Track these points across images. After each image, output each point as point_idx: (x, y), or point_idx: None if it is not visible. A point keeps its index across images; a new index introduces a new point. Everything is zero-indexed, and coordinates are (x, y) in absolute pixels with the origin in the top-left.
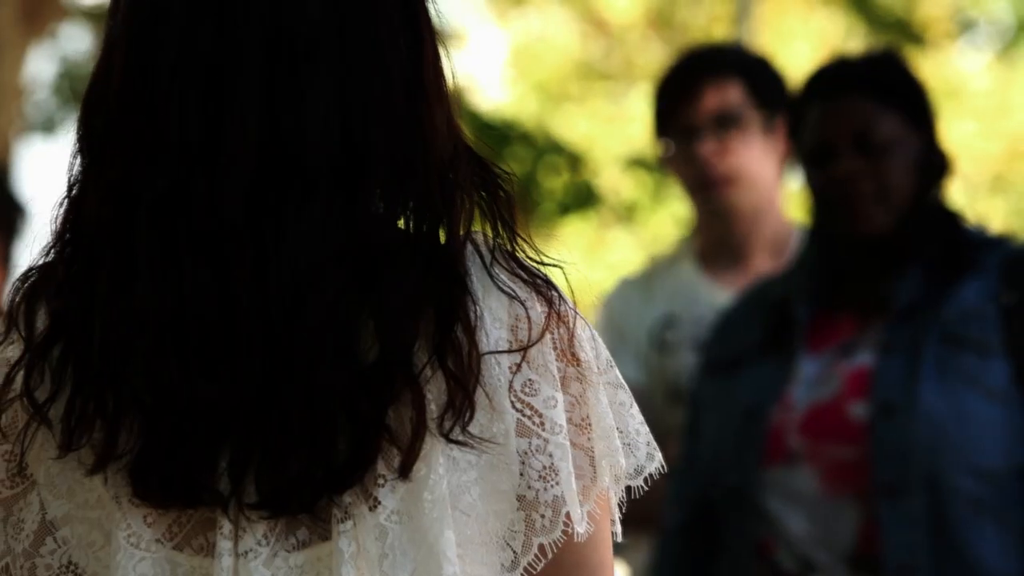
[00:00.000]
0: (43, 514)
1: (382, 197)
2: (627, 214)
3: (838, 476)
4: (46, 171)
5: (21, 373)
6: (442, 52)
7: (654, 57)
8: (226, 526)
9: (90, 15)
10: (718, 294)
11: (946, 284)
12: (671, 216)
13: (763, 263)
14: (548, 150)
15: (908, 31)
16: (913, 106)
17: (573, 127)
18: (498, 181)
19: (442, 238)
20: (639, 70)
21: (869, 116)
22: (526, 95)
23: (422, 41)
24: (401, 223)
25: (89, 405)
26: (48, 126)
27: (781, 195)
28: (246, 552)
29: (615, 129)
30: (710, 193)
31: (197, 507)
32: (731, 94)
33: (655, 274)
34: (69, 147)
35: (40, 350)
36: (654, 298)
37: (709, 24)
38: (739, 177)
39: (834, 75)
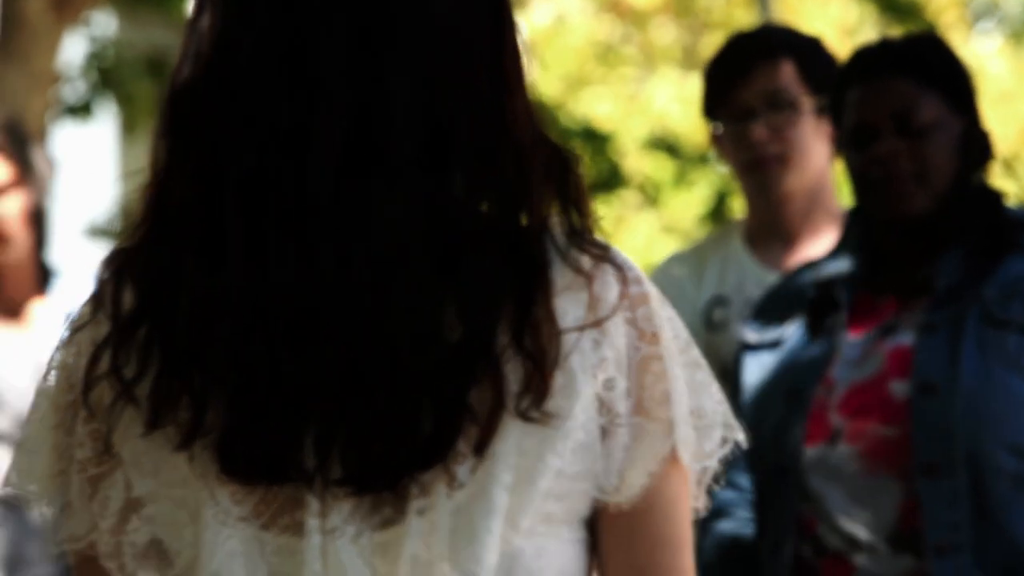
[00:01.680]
0: (128, 492)
1: (464, 181)
2: (651, 197)
3: (879, 455)
4: (79, 155)
5: (108, 352)
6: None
7: (674, 41)
8: (314, 504)
9: (118, 1)
10: (767, 275)
11: (987, 265)
12: (694, 199)
13: (813, 245)
14: (571, 133)
15: (922, 18)
16: (954, 88)
17: (595, 110)
18: (569, 164)
19: (522, 221)
20: (660, 53)
21: (910, 98)
22: (546, 78)
23: (503, 28)
24: (483, 207)
25: (175, 383)
26: (81, 111)
27: (831, 177)
28: (333, 530)
29: (637, 112)
30: (761, 174)
31: (283, 484)
32: (783, 75)
33: (704, 254)
34: (155, 129)
35: (127, 329)
36: (704, 278)
37: (728, 9)
38: (790, 159)
39: (875, 57)
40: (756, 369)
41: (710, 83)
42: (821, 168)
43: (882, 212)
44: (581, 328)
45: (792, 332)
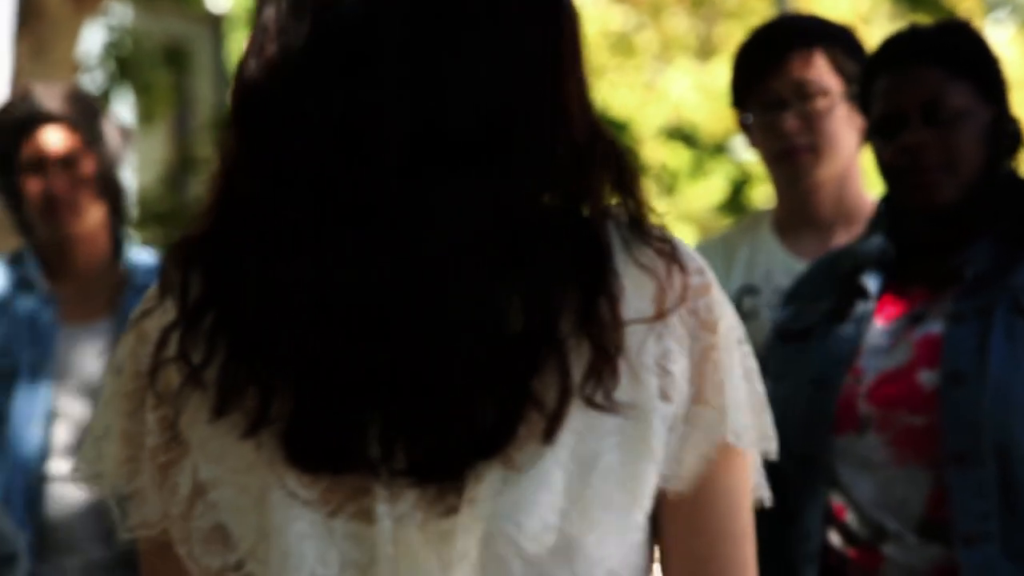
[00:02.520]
0: (194, 477)
1: (525, 173)
2: (667, 187)
3: (907, 444)
4: None
5: (176, 338)
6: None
7: (688, 31)
8: (381, 492)
9: None
10: (796, 265)
11: (1016, 254)
12: (710, 188)
13: (841, 235)
14: None
15: (937, 6)
16: (984, 76)
17: (610, 100)
18: (624, 156)
19: (582, 212)
20: (675, 43)
21: (939, 86)
22: None
23: (561, 20)
24: (544, 198)
25: (242, 371)
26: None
27: (860, 166)
28: (401, 516)
29: (652, 102)
30: (792, 164)
31: (348, 473)
32: (814, 65)
33: (733, 243)
34: (226, 120)
35: (194, 316)
36: (733, 267)
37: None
38: (821, 148)
39: (904, 45)
40: (785, 357)
41: (740, 73)
42: (851, 157)
43: (910, 201)
44: (645, 320)
45: (821, 320)
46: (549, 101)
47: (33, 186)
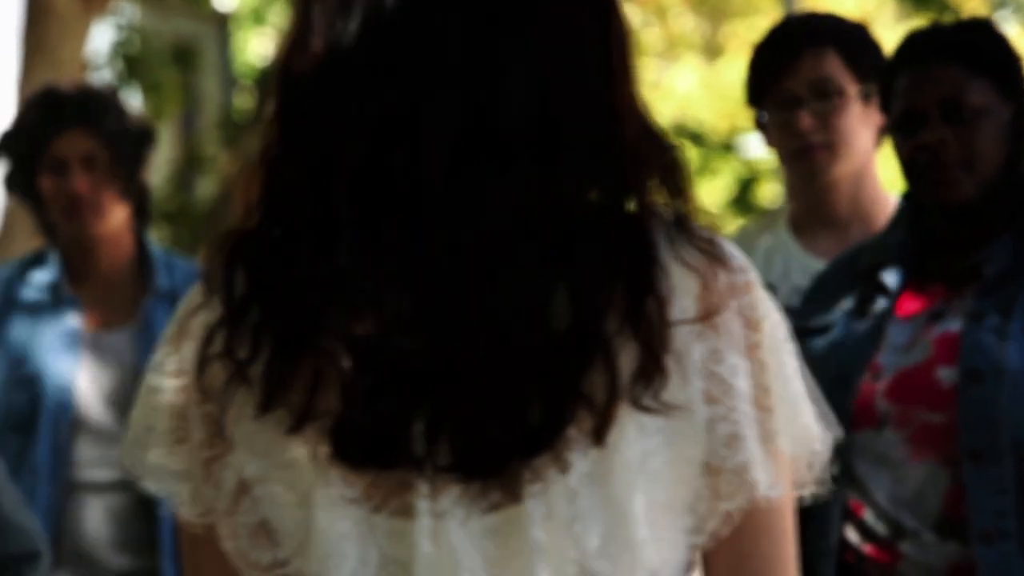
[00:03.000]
0: (240, 473)
1: (574, 169)
2: None
3: (925, 441)
4: None
5: (221, 334)
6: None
7: (694, 29)
8: (423, 488)
9: None
10: (812, 263)
11: None
12: (718, 187)
13: (857, 233)
14: None
15: (942, 5)
16: (1004, 74)
17: None
18: (674, 154)
19: (630, 210)
20: (680, 41)
21: (959, 84)
22: None
23: (611, 17)
24: (592, 195)
25: (287, 367)
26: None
27: (876, 164)
28: (443, 513)
29: (659, 100)
30: (807, 162)
31: (393, 468)
32: (829, 63)
33: (749, 241)
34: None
35: (239, 312)
36: None
37: None
38: (836, 146)
39: (925, 42)
40: (804, 354)
41: (755, 71)
42: (867, 155)
43: (930, 199)
44: (691, 320)
45: (840, 317)
46: (598, 98)
47: (55, 186)
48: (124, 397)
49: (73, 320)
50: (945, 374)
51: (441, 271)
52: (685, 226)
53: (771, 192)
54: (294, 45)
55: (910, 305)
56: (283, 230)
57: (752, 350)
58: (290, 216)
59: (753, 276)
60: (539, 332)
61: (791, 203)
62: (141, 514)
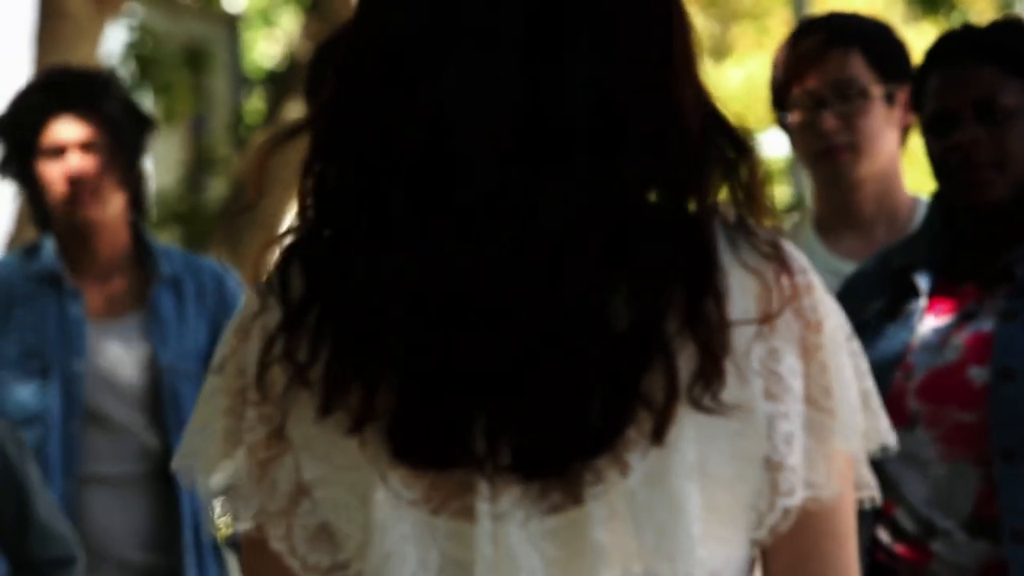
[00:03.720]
0: (299, 476)
1: (634, 167)
2: None
3: (957, 440)
4: None
5: (281, 337)
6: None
7: (702, 30)
8: (484, 489)
9: None
10: (837, 264)
11: None
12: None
13: (882, 234)
14: None
15: (951, 5)
16: None
17: None
18: (743, 150)
19: (690, 209)
20: None
21: (992, 85)
22: None
23: (672, 12)
24: (651, 193)
25: (347, 368)
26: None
27: (901, 166)
28: (503, 514)
29: None
30: (832, 163)
31: (453, 469)
32: (853, 64)
33: None
34: (313, 115)
35: (298, 314)
36: None
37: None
38: (861, 147)
39: (957, 43)
40: None
41: (779, 72)
42: (891, 156)
43: (962, 199)
44: (751, 321)
45: (872, 318)
46: (660, 95)
47: (53, 171)
48: (136, 386)
49: (77, 310)
50: (977, 373)
51: (499, 270)
52: (746, 227)
53: (783, 193)
54: (349, 41)
55: (942, 305)
56: (337, 230)
57: (812, 351)
58: (344, 215)
59: (814, 278)
60: (598, 332)
61: (816, 204)
62: (161, 509)
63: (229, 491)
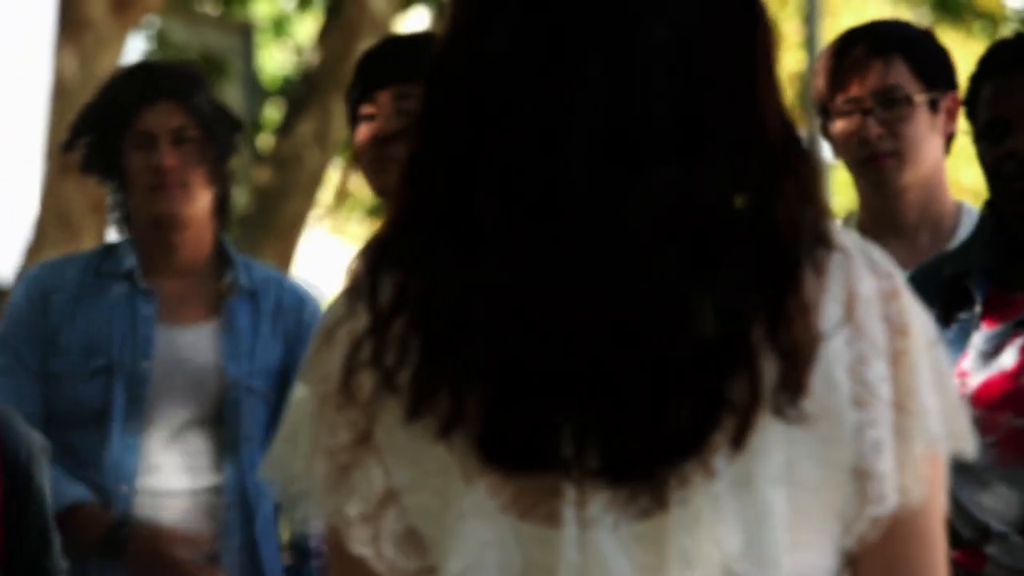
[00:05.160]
0: (386, 480)
1: (718, 173)
2: None
3: (1012, 446)
4: None
5: (369, 343)
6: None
7: None
8: (571, 494)
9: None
10: None
11: None
12: None
13: (925, 240)
14: None
15: (965, 13)
16: None
17: None
18: (809, 158)
19: (771, 217)
20: None
21: None
22: None
23: (755, 19)
24: (735, 200)
25: (434, 373)
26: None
27: (944, 173)
28: (591, 520)
29: None
30: (876, 171)
31: (541, 473)
32: (896, 71)
33: None
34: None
35: (386, 320)
36: None
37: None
38: (904, 154)
39: (1010, 52)
40: None
41: (822, 79)
42: (935, 163)
43: (1015, 206)
44: (837, 327)
45: None
46: (744, 104)
47: (141, 161)
48: (199, 397)
49: (148, 310)
50: None
51: (585, 274)
52: (828, 231)
53: None
54: (439, 52)
55: (996, 312)
56: (426, 236)
57: (899, 356)
58: (433, 222)
59: (899, 282)
60: (684, 337)
61: (860, 211)
62: (211, 524)
63: (303, 494)
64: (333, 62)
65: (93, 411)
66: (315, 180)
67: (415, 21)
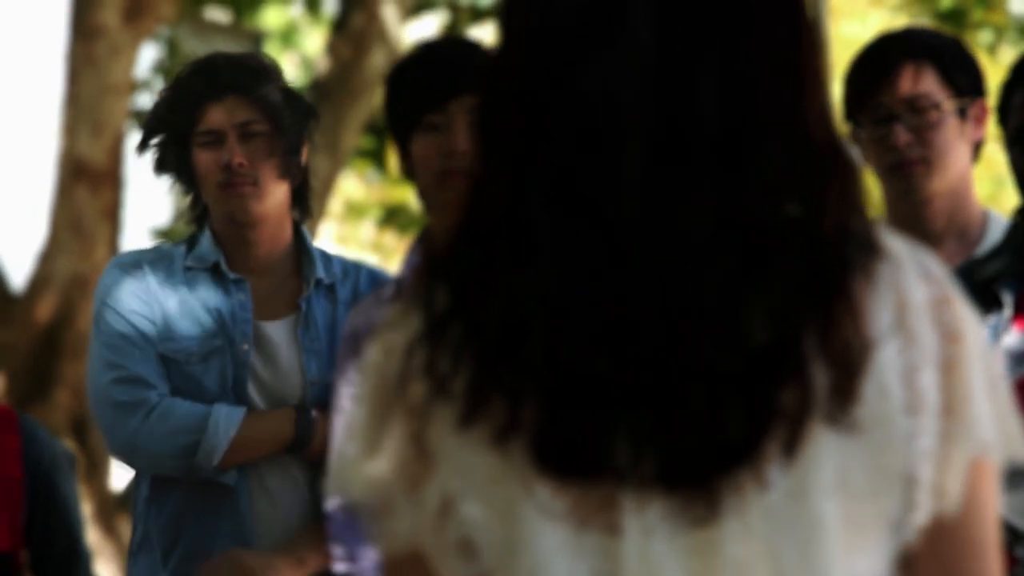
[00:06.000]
0: (443, 490)
1: (768, 181)
2: None
3: None
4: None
5: (422, 350)
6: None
7: None
8: (629, 503)
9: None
10: None
11: None
12: None
13: (951, 248)
14: None
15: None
16: None
17: None
18: (854, 164)
19: (820, 224)
20: None
21: None
22: None
23: (800, 25)
24: (784, 207)
25: (489, 381)
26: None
27: (972, 181)
28: (649, 529)
29: None
30: (904, 178)
31: (597, 482)
32: (926, 79)
33: None
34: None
35: (440, 327)
36: None
37: None
38: (933, 162)
39: None
40: None
41: (851, 86)
42: (963, 170)
43: None
44: (888, 334)
45: None
46: (792, 111)
47: (210, 159)
48: (284, 393)
49: (243, 297)
50: None
51: (638, 281)
52: (877, 238)
53: None
54: (494, 63)
55: None
56: (481, 245)
57: (951, 364)
58: (488, 231)
59: (952, 288)
60: (736, 345)
61: (886, 217)
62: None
63: (383, 509)
64: (342, 71)
65: (210, 392)
66: (325, 188)
67: (424, 30)
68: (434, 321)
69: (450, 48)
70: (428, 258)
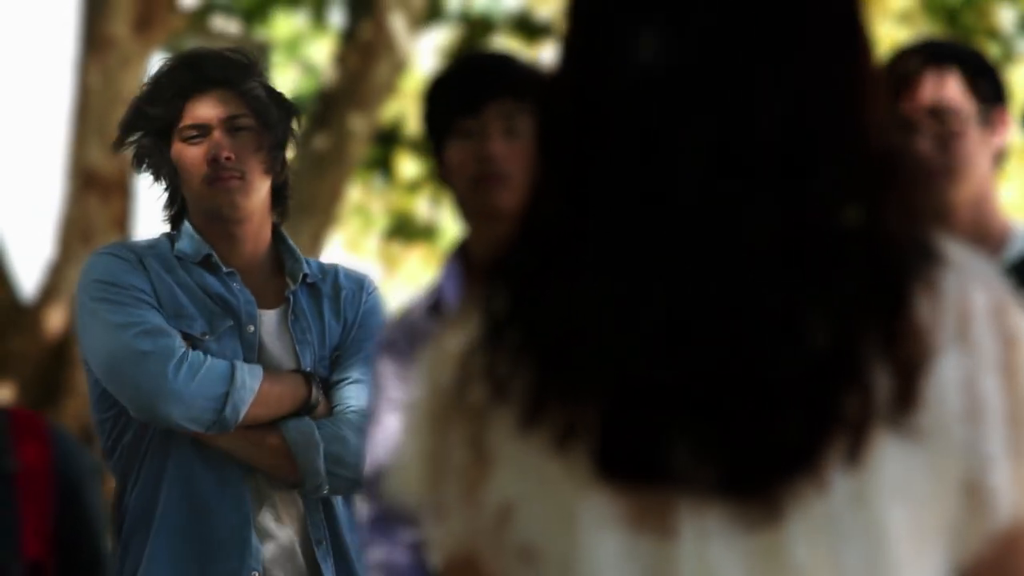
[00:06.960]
0: (502, 495)
1: (828, 189)
2: None
3: None
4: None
5: (481, 354)
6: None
7: None
8: (686, 508)
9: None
10: None
11: None
12: None
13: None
14: None
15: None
16: None
17: None
18: (911, 172)
19: (879, 232)
20: None
21: None
22: None
23: (858, 33)
24: (843, 214)
25: (548, 385)
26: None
27: (993, 189)
28: (706, 534)
29: None
30: (926, 186)
31: (656, 487)
32: (949, 87)
33: None
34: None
35: (499, 332)
36: None
37: None
38: (955, 171)
39: None
40: None
41: None
42: (985, 179)
43: None
44: (948, 340)
45: None
46: (850, 118)
47: (195, 153)
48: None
49: (239, 286)
50: None
51: (698, 287)
52: (936, 244)
53: None
54: (552, 76)
55: None
56: (540, 250)
57: (1012, 370)
58: (547, 237)
59: (1007, 294)
60: (796, 351)
61: None
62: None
63: (438, 513)
64: (350, 81)
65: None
66: (333, 197)
67: (433, 41)
68: (493, 326)
69: (484, 58)
70: (488, 264)
